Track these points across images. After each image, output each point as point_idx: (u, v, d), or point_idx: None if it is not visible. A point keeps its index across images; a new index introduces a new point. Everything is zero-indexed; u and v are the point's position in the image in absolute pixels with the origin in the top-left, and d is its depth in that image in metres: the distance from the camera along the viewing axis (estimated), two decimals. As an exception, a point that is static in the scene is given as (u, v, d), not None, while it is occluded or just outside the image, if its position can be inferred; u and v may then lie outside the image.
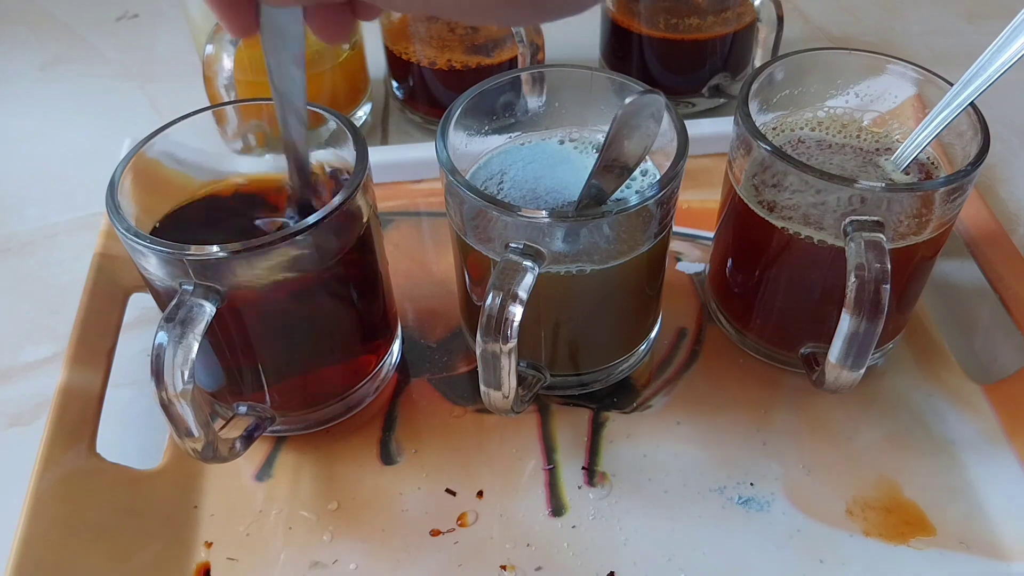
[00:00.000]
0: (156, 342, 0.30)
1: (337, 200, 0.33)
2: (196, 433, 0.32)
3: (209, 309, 0.31)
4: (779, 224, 0.37)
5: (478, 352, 0.32)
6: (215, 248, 0.31)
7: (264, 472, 0.39)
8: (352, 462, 0.39)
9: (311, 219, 0.32)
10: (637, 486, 0.38)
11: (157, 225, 0.36)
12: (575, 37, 0.64)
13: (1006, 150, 0.58)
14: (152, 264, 0.32)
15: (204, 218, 0.37)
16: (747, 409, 0.41)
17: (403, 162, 0.53)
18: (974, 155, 0.35)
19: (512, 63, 0.55)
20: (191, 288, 0.31)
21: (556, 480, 0.39)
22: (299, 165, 0.34)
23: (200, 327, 0.31)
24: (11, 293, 0.49)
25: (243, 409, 0.38)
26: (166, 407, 0.31)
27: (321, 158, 0.38)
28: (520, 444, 0.40)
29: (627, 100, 0.31)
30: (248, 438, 0.37)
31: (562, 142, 0.41)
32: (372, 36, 0.58)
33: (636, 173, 0.38)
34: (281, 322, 0.35)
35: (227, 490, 0.38)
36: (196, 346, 0.30)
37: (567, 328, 0.39)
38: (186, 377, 0.30)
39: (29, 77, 0.67)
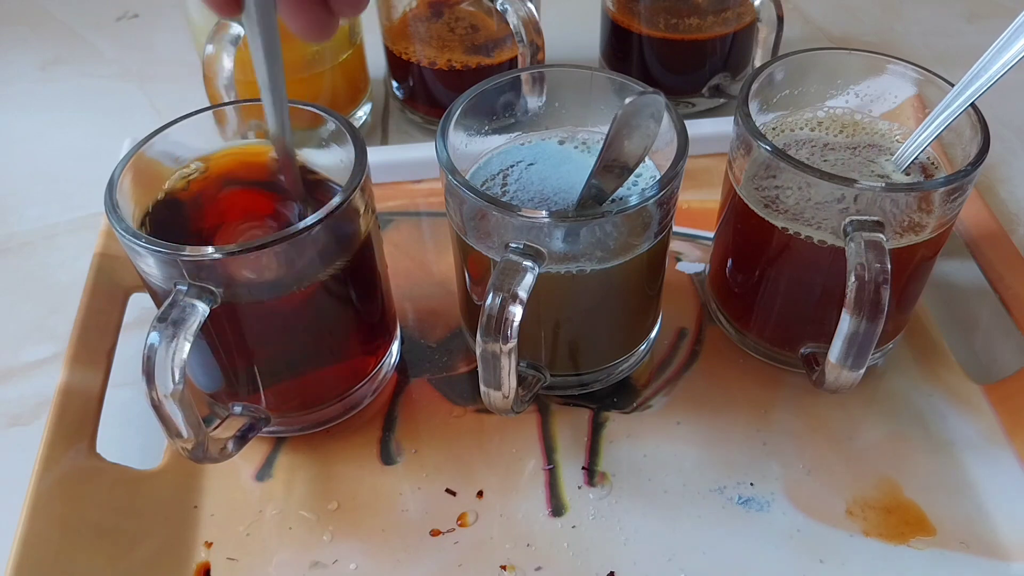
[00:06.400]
0: (148, 342, 0.30)
1: (336, 200, 0.33)
2: (186, 434, 0.32)
3: (202, 309, 0.31)
4: (779, 224, 0.37)
5: (478, 352, 0.32)
6: (210, 249, 0.31)
7: (264, 472, 0.39)
8: (352, 462, 0.39)
9: (309, 220, 0.32)
10: (637, 486, 0.38)
11: (149, 210, 0.36)
12: (575, 37, 0.64)
13: (1006, 150, 0.58)
14: (149, 264, 0.32)
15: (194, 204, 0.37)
16: (747, 409, 0.41)
17: (403, 162, 0.53)
18: (974, 155, 0.35)
19: (512, 63, 0.55)
20: (185, 288, 0.31)
21: (556, 480, 0.39)
22: (285, 156, 0.34)
23: (192, 327, 0.31)
24: (11, 293, 0.49)
25: (238, 409, 0.38)
26: (156, 407, 0.31)
27: (321, 158, 0.38)
28: (520, 444, 0.40)
29: (627, 100, 0.31)
30: (241, 439, 0.37)
31: (562, 142, 0.41)
32: (372, 36, 0.58)
33: (638, 172, 0.38)
34: (278, 323, 0.35)
35: (227, 490, 0.38)
36: (188, 347, 0.30)
37: (567, 328, 0.39)
38: (177, 377, 0.30)
39: (29, 77, 0.67)
